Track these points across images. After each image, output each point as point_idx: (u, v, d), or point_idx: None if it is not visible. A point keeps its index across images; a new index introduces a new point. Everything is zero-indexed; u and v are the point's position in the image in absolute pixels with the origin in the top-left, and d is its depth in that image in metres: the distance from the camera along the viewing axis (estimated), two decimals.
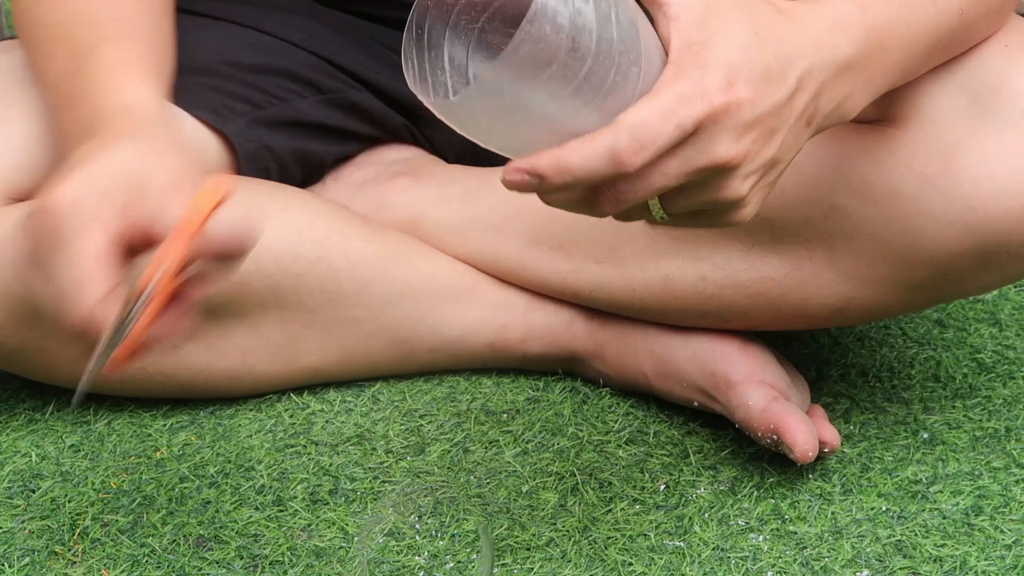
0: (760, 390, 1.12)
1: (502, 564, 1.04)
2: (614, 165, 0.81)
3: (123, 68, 1.01)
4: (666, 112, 0.82)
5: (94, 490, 1.12)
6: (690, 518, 1.08)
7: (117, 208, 0.88)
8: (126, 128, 0.94)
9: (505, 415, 1.20)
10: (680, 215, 0.87)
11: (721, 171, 0.85)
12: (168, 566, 1.05)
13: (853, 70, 0.90)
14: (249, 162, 1.19)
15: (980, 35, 1.02)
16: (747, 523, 1.08)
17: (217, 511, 1.10)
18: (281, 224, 1.15)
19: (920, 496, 1.10)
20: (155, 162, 0.89)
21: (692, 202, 0.86)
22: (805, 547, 1.05)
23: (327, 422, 1.19)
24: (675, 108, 0.82)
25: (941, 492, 1.10)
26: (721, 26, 0.85)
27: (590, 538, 1.06)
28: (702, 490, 1.11)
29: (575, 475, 1.13)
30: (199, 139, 1.17)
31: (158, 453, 1.16)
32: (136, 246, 0.89)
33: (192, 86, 1.17)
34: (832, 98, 0.90)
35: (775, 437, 1.09)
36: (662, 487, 1.11)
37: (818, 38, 0.88)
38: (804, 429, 1.09)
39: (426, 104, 0.81)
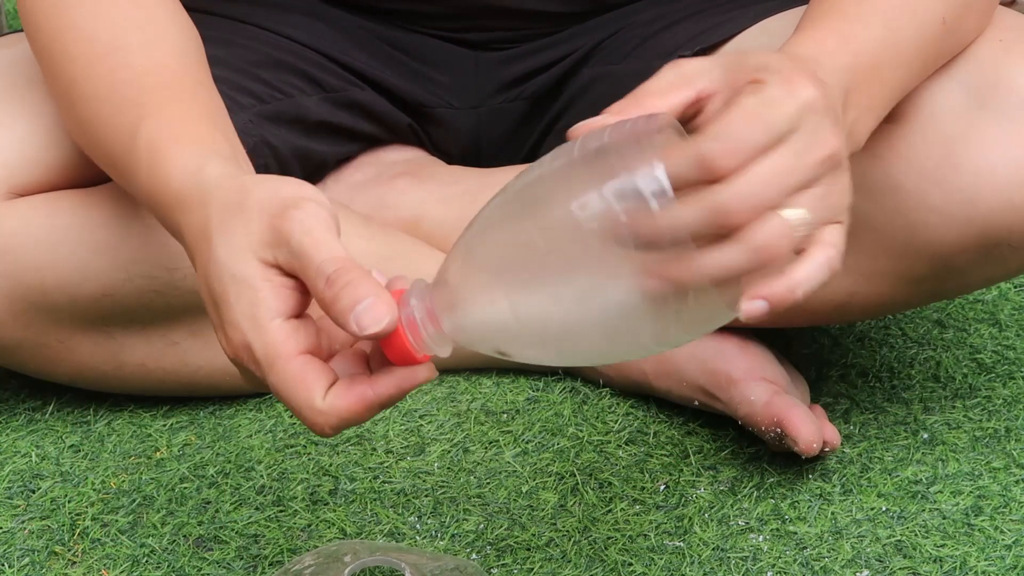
0: (762, 385, 1.12)
1: (502, 564, 1.04)
2: (703, 169, 0.79)
3: (164, 142, 0.95)
4: (751, 116, 0.81)
5: (94, 490, 1.12)
6: (690, 518, 1.08)
7: (260, 284, 0.84)
8: (197, 222, 0.89)
9: (505, 415, 1.20)
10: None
11: (833, 164, 0.83)
12: (168, 566, 1.05)
13: (853, 98, 0.90)
14: (248, 157, 1.19)
15: (969, 37, 1.03)
16: (747, 523, 1.08)
17: (217, 511, 1.10)
18: None
19: (920, 496, 1.10)
20: (243, 234, 0.85)
21: (825, 202, 0.83)
22: (805, 547, 1.05)
23: None
24: (761, 111, 0.81)
25: (941, 492, 1.10)
26: (747, 54, 0.86)
27: (590, 538, 1.06)
28: (702, 490, 1.11)
29: (575, 475, 1.13)
30: None
31: (158, 453, 1.16)
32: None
33: None
34: (844, 124, 0.89)
35: (779, 430, 1.10)
36: (662, 487, 1.11)
37: (821, 71, 0.88)
38: (808, 421, 1.09)
39: None
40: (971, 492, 1.10)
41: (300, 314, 0.85)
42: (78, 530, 1.08)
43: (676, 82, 0.85)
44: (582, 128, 0.84)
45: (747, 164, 0.80)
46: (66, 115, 1.05)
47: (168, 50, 1.01)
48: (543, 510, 1.09)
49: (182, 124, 0.95)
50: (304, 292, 0.84)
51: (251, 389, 1.01)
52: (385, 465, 1.14)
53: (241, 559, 1.05)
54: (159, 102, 0.97)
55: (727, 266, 0.80)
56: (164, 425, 1.19)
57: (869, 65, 0.93)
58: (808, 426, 1.09)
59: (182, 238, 0.91)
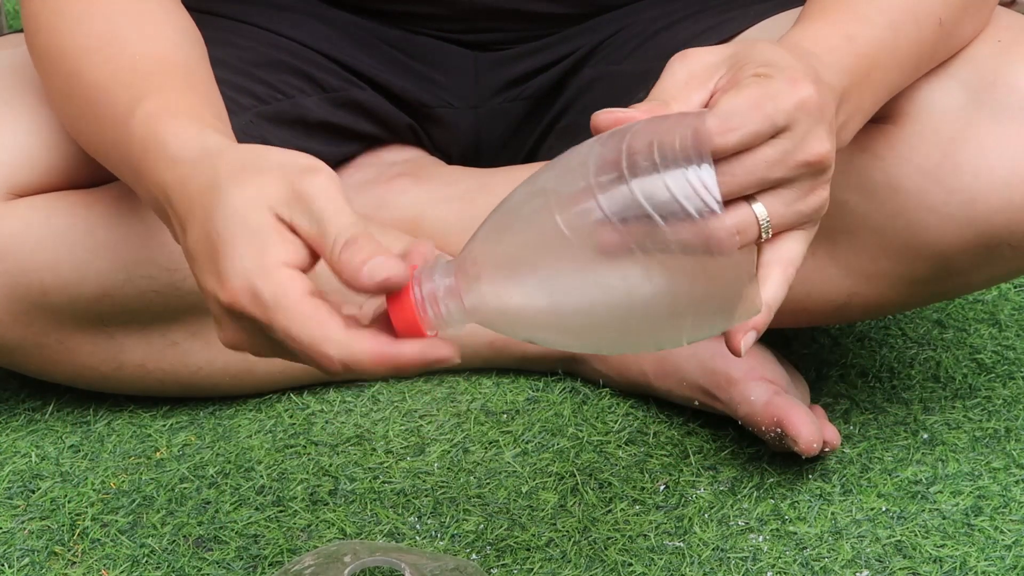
0: (762, 385, 1.12)
1: (502, 564, 1.04)
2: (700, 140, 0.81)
3: (164, 119, 0.93)
4: (754, 102, 0.84)
5: (94, 490, 1.12)
6: (690, 518, 1.08)
7: (282, 250, 0.83)
8: (201, 184, 0.87)
9: (505, 415, 1.20)
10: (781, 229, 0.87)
11: (817, 170, 0.86)
12: (168, 566, 1.05)
13: (848, 99, 0.91)
14: None
15: (964, 40, 1.03)
16: (747, 523, 1.07)
17: (217, 511, 1.10)
18: None
19: (920, 496, 1.10)
20: (261, 185, 0.84)
21: (794, 207, 0.86)
22: (805, 547, 1.05)
23: (327, 422, 1.19)
24: (762, 101, 0.84)
25: (941, 492, 1.10)
26: (754, 48, 0.88)
27: (590, 538, 1.06)
28: (702, 490, 1.11)
29: (575, 475, 1.13)
30: None
31: (158, 453, 1.16)
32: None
33: None
34: (835, 126, 0.90)
35: (779, 431, 1.10)
36: (662, 487, 1.11)
37: (822, 69, 0.89)
38: (808, 421, 1.09)
39: None
40: (971, 492, 1.10)
41: (305, 272, 0.83)
42: (78, 530, 1.08)
43: (692, 83, 0.87)
44: (607, 118, 0.84)
45: (739, 148, 0.83)
46: (62, 111, 1.05)
47: (165, 43, 1.01)
48: (543, 510, 1.09)
49: (179, 103, 0.94)
50: (311, 257, 0.83)
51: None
52: (385, 465, 1.14)
53: (241, 559, 1.05)
54: (158, 85, 0.96)
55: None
56: (164, 425, 1.19)
57: (868, 67, 0.93)
58: (808, 426, 1.09)
59: (168, 201, 0.89)
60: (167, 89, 0.96)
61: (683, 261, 0.79)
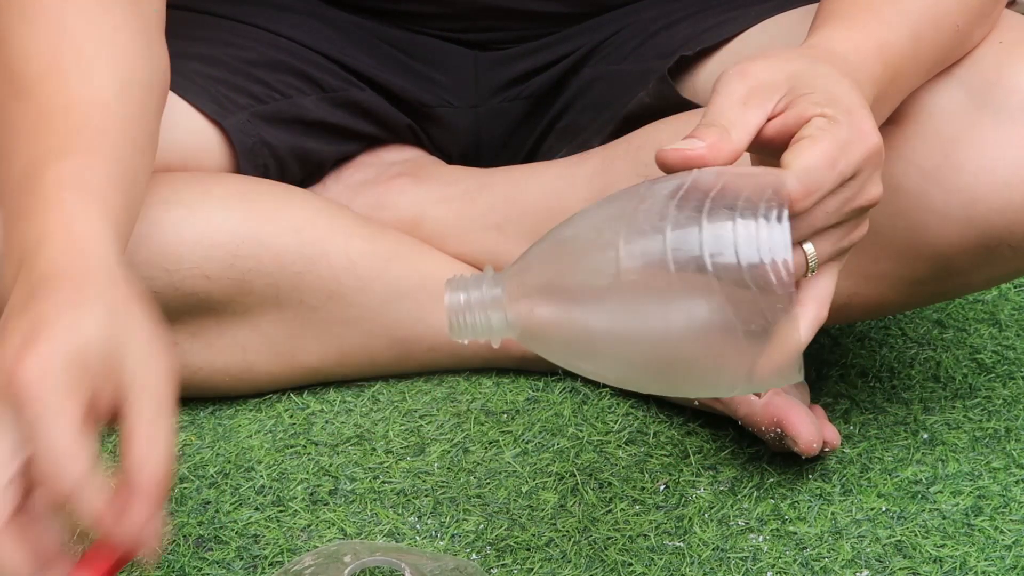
0: None
1: (502, 564, 1.04)
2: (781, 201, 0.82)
3: (73, 191, 0.88)
4: (831, 160, 0.84)
5: None
6: (690, 518, 1.08)
7: (90, 379, 0.82)
8: (80, 276, 0.84)
9: (505, 415, 1.20)
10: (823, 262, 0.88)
11: (867, 210, 0.88)
12: (168, 566, 1.05)
13: (876, 106, 0.92)
14: (247, 158, 1.19)
15: (973, 44, 1.04)
16: (747, 523, 1.08)
17: (217, 511, 1.10)
18: (282, 223, 1.15)
19: (920, 496, 1.10)
20: (125, 325, 0.84)
21: (838, 245, 0.88)
22: (805, 547, 1.05)
23: (327, 422, 1.19)
24: (837, 156, 0.84)
25: (941, 492, 1.10)
26: (815, 73, 0.88)
27: (590, 538, 1.06)
28: (702, 490, 1.11)
29: (575, 475, 1.13)
30: (198, 132, 1.17)
31: None
32: (103, 411, 0.84)
33: (194, 75, 1.17)
34: None
35: (779, 431, 1.10)
36: (662, 487, 1.11)
37: (857, 81, 0.89)
38: (807, 421, 1.09)
39: None
40: (971, 492, 1.10)
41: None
42: (78, 530, 1.08)
43: (750, 103, 0.86)
44: (677, 157, 0.84)
45: (810, 207, 0.85)
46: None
47: (106, 91, 0.94)
48: (543, 510, 1.09)
49: (97, 179, 0.89)
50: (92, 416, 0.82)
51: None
52: (385, 465, 1.14)
53: (241, 559, 1.05)
54: (83, 146, 0.91)
55: None
56: None
57: (893, 76, 0.94)
58: (808, 426, 1.09)
59: (35, 259, 0.85)
60: (92, 153, 0.91)
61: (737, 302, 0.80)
